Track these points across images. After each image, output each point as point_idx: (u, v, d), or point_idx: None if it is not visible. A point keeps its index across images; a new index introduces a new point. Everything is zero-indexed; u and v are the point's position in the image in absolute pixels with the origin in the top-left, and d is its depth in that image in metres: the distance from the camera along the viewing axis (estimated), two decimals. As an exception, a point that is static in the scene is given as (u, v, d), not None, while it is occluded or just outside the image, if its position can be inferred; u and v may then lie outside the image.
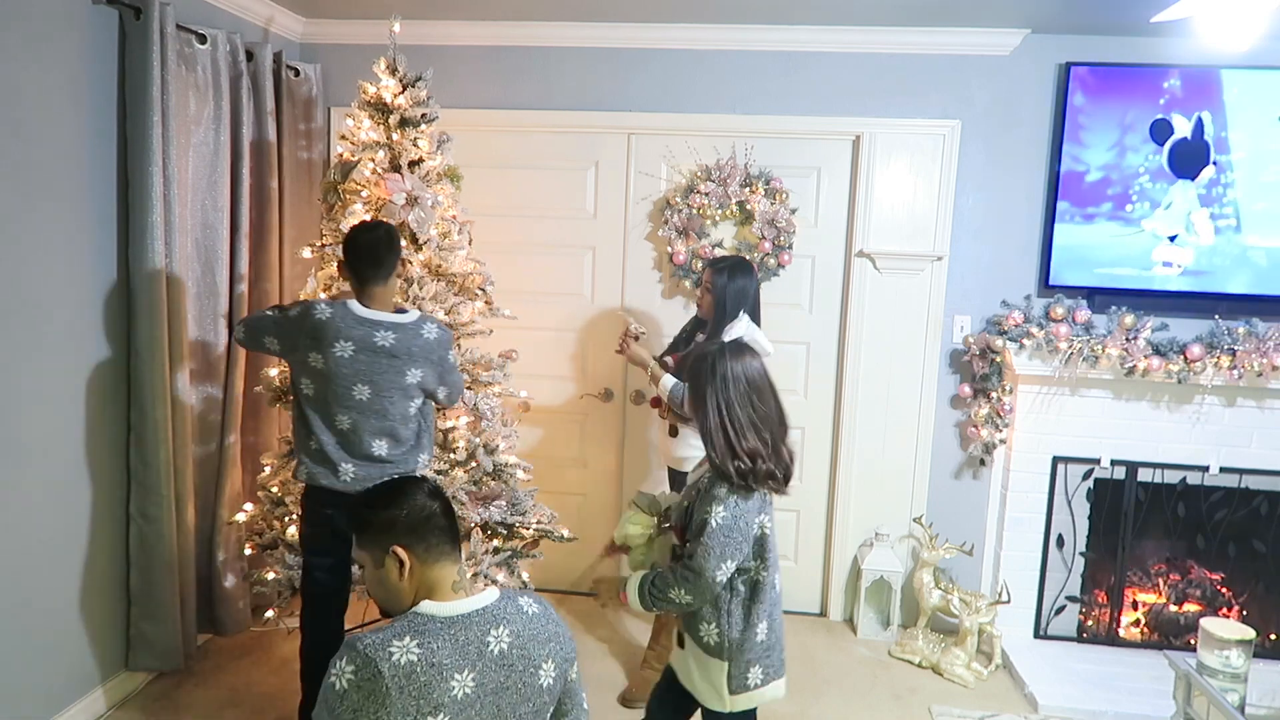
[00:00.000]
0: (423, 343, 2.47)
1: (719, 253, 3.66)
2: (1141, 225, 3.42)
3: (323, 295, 3.03)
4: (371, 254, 2.46)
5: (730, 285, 2.89)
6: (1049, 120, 3.52)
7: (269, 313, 2.56)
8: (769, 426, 1.97)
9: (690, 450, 3.07)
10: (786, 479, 1.99)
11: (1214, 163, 3.36)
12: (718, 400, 1.95)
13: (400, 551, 1.49)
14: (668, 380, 2.94)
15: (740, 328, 2.72)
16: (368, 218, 3.02)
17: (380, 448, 2.49)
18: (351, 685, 1.36)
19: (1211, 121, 3.34)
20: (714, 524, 1.90)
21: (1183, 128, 3.36)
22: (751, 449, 1.92)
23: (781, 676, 2.06)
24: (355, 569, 2.69)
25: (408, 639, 1.39)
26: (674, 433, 3.09)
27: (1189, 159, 3.37)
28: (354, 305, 2.46)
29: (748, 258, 3.32)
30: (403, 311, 2.51)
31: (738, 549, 1.92)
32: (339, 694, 1.36)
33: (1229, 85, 3.32)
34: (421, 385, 2.52)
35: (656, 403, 3.09)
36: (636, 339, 3.14)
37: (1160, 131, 3.37)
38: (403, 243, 3.01)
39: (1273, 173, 3.34)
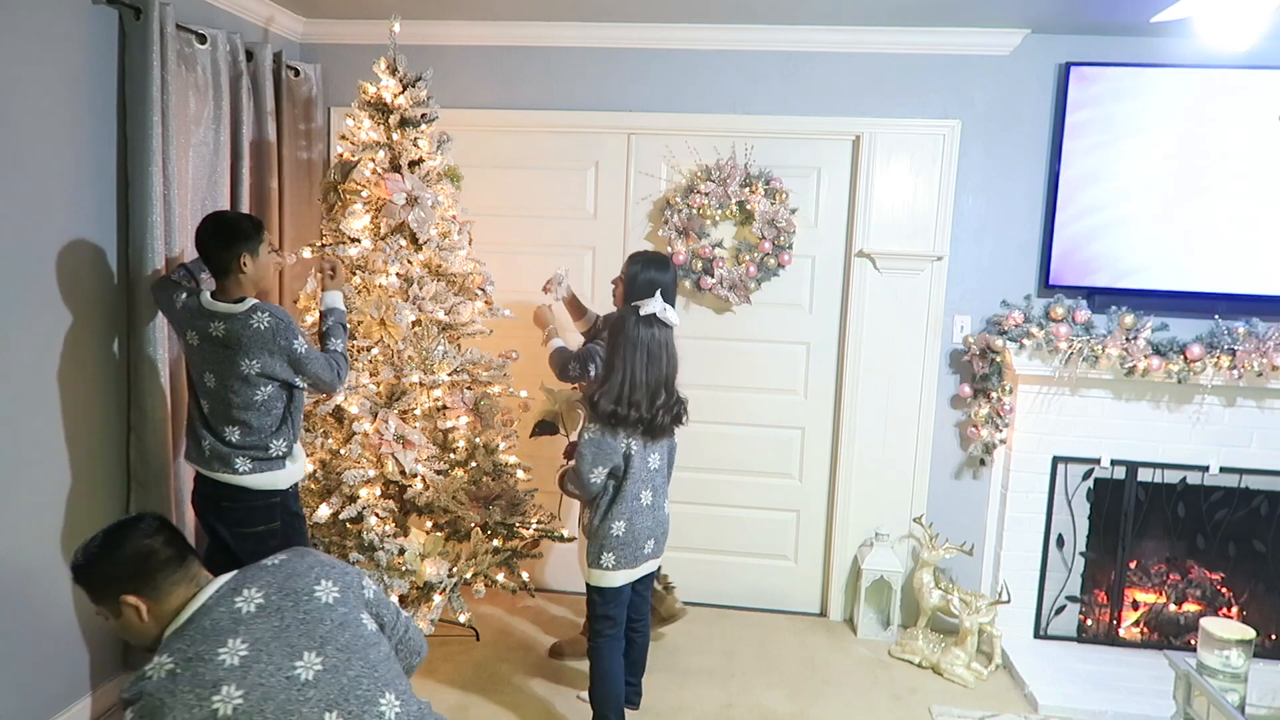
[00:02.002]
0: (253, 333, 2.43)
1: (719, 253, 3.66)
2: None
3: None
4: (200, 247, 2.50)
5: (641, 275, 2.92)
6: (1049, 120, 3.52)
7: (170, 279, 2.65)
8: (651, 386, 2.55)
9: None
10: (651, 429, 2.59)
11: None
12: (623, 356, 2.54)
13: (131, 599, 1.52)
14: (555, 343, 3.14)
15: (654, 304, 2.78)
16: (368, 218, 3.03)
17: (232, 434, 2.51)
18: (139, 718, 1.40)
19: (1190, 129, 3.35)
20: (585, 438, 2.57)
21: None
22: (635, 400, 2.53)
23: (634, 568, 2.67)
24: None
25: (156, 659, 1.45)
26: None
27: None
28: (205, 295, 2.51)
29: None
30: (240, 301, 2.48)
31: (606, 459, 2.55)
32: None
33: (1223, 86, 3.32)
34: (264, 375, 2.47)
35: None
36: (556, 287, 3.28)
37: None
38: (402, 243, 3.03)
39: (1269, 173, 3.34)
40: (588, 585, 2.72)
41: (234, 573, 1.58)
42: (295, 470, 2.66)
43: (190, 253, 3.03)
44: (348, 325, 2.77)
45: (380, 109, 3.04)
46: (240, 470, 2.52)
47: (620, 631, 2.78)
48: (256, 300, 2.50)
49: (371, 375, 3.06)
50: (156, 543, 1.55)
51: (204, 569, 1.60)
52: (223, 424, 2.51)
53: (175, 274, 2.69)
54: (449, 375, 3.13)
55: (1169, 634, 3.65)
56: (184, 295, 2.54)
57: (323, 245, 3.06)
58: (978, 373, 3.58)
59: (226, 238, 2.47)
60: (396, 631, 1.73)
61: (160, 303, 2.66)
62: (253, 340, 2.44)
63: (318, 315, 2.86)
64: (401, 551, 2.96)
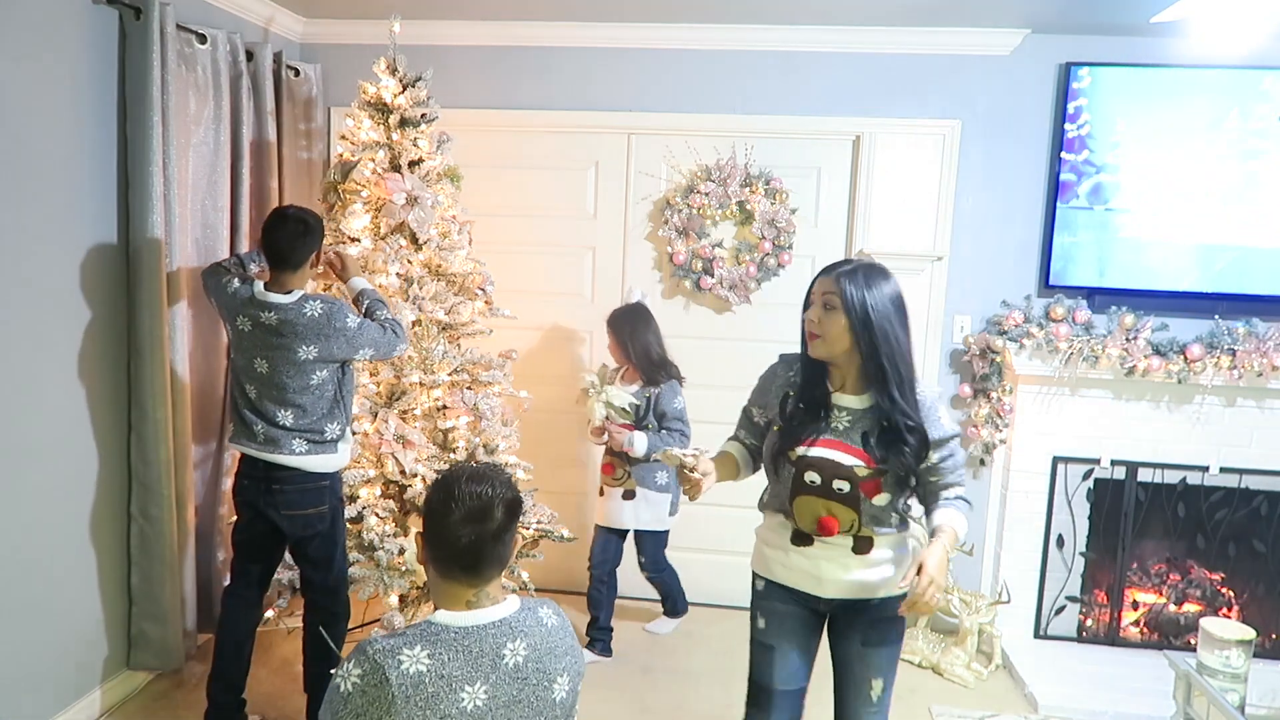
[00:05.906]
0: (308, 321, 2.50)
1: (719, 253, 3.66)
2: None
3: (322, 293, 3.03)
4: (275, 241, 2.54)
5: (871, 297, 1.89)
6: (1049, 120, 3.52)
7: (222, 266, 2.70)
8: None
9: None
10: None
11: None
12: (649, 336, 3.22)
13: (418, 540, 1.50)
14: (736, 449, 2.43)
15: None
16: (368, 218, 3.03)
17: (285, 417, 2.56)
18: (356, 690, 1.33)
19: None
20: (678, 406, 3.25)
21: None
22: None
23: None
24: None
25: (418, 648, 1.36)
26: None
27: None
28: (258, 286, 2.55)
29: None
30: (290, 293, 2.54)
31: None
32: (343, 696, 1.34)
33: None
34: (321, 359, 2.54)
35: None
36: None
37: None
38: (402, 243, 3.03)
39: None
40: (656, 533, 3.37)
41: (520, 608, 1.49)
42: (345, 455, 2.71)
43: (191, 252, 3.04)
44: (383, 299, 2.80)
45: (380, 109, 3.03)
46: (297, 451, 2.57)
47: None
48: (304, 291, 2.57)
49: (371, 375, 3.06)
50: (465, 539, 1.41)
51: (495, 585, 1.48)
52: (275, 407, 2.56)
53: (228, 262, 2.74)
54: (449, 375, 3.13)
55: (1169, 634, 3.65)
56: (236, 283, 2.59)
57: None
58: (978, 373, 3.58)
59: (305, 235, 2.55)
60: None
61: (209, 286, 2.69)
62: (309, 328, 2.50)
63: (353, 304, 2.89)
64: (401, 551, 2.96)
